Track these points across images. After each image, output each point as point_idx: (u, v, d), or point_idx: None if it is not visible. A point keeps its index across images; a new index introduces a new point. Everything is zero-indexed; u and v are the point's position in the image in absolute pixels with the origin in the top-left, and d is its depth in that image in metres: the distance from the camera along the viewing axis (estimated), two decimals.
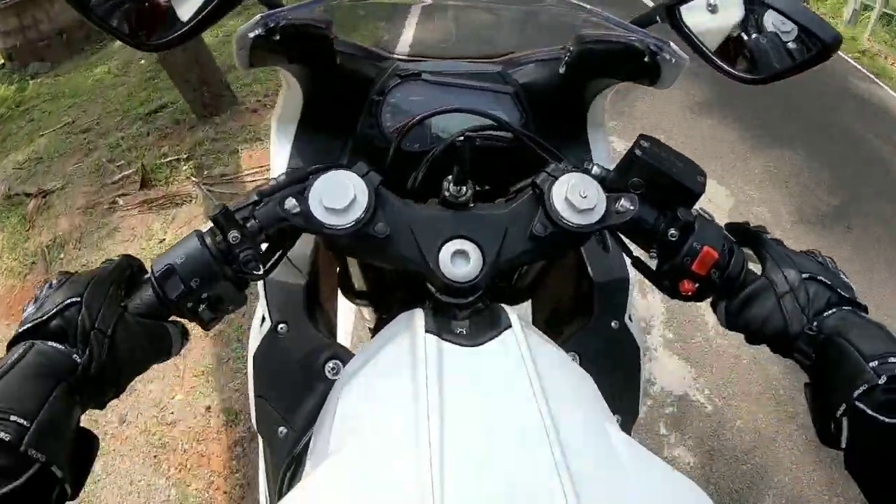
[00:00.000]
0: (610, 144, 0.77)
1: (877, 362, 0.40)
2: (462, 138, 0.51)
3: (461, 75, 0.70)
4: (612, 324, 0.66)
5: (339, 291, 0.82)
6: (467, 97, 0.70)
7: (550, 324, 0.77)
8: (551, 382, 0.42)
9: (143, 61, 4.69)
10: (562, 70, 0.68)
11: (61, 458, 0.36)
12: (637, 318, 0.70)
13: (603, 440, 0.40)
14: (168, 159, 3.20)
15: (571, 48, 0.67)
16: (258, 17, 0.53)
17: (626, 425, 0.63)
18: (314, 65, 0.65)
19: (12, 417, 0.34)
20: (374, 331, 0.83)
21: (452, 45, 0.76)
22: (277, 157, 0.72)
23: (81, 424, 0.41)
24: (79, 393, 0.40)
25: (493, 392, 0.42)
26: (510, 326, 0.47)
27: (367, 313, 0.95)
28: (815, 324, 0.46)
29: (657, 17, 0.61)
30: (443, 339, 0.46)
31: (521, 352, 0.44)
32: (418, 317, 0.49)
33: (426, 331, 0.46)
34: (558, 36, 0.69)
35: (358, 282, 0.78)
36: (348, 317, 1.71)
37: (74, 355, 0.40)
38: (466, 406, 0.40)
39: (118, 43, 2.66)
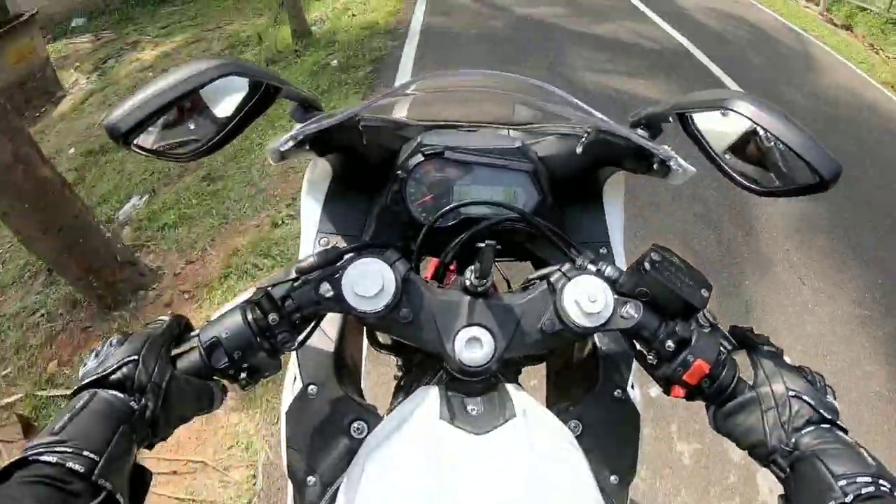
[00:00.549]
0: (623, 218, 0.80)
1: (845, 481, 0.43)
2: (482, 245, 0.54)
3: (482, 152, 0.73)
4: (616, 393, 0.70)
5: (366, 344, 0.88)
6: (487, 174, 0.73)
7: (560, 384, 0.82)
8: (546, 471, 0.48)
9: None
10: (578, 150, 0.71)
11: (124, 489, 0.44)
12: (639, 386, 0.74)
13: None
14: (57, 391, 2.13)
15: (589, 131, 0.69)
16: (288, 135, 0.56)
17: (623, 483, 0.68)
18: (342, 149, 0.69)
19: (84, 452, 0.42)
20: (398, 379, 0.90)
21: (474, 111, 0.78)
22: (308, 221, 0.77)
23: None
24: (135, 435, 0.47)
25: (494, 479, 0.48)
26: (514, 416, 0.53)
27: (395, 363, 1.02)
28: (792, 440, 0.49)
29: (669, 119, 0.63)
30: (455, 425, 0.52)
31: (523, 443, 0.50)
32: (433, 400, 0.55)
33: (440, 418, 0.53)
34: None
35: (384, 338, 0.84)
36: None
37: (132, 402, 0.48)
38: (471, 491, 0.47)
39: None
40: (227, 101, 0.57)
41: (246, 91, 0.57)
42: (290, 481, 0.71)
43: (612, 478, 0.68)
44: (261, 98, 0.58)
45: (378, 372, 1.85)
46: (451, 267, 0.71)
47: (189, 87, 0.51)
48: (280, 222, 2.92)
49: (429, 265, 1.02)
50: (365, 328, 0.83)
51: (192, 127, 0.56)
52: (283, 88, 0.58)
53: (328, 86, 4.46)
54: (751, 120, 0.54)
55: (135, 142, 0.52)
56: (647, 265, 0.55)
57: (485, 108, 0.80)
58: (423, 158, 0.72)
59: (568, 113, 0.72)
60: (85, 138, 4.36)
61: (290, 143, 0.57)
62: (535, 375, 0.92)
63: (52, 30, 6.85)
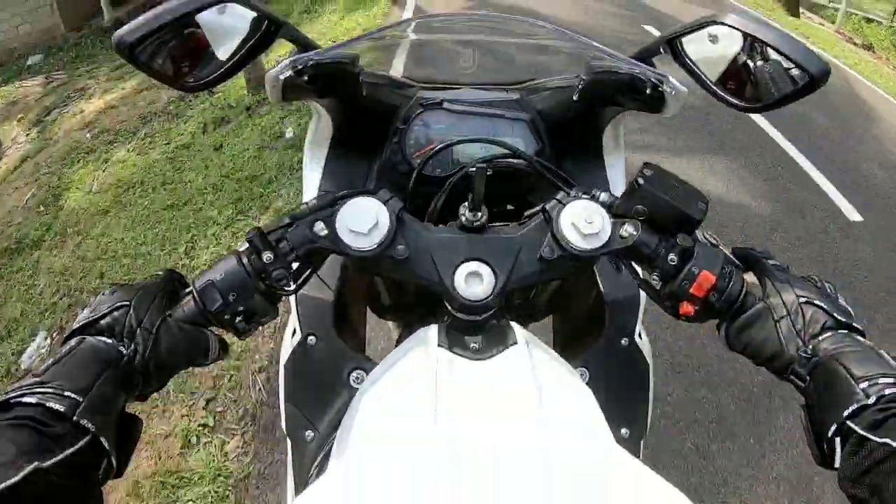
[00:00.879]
0: (626, 167, 0.80)
1: (867, 383, 0.41)
2: (474, 169, 0.55)
3: (480, 104, 0.75)
4: (623, 341, 0.69)
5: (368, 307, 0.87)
6: (486, 125, 0.74)
7: (567, 339, 0.80)
8: (551, 397, 0.46)
9: None
10: (575, 97, 0.72)
11: (109, 434, 0.42)
12: (647, 335, 0.72)
13: (591, 452, 0.42)
14: None
15: (584, 77, 0.70)
16: (287, 59, 0.58)
17: (635, 438, 0.65)
18: (342, 97, 0.71)
19: (66, 392, 0.40)
20: (398, 345, 0.88)
21: (472, 72, 0.80)
22: (310, 180, 0.78)
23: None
24: (123, 381, 0.46)
25: (497, 403, 0.46)
26: (516, 343, 0.51)
27: (394, 328, 1.00)
28: (810, 347, 0.47)
29: (660, 49, 0.64)
30: (454, 352, 0.50)
31: (524, 366, 0.48)
32: (433, 332, 0.53)
33: (438, 345, 0.51)
34: (572, 64, 0.72)
35: (384, 298, 0.83)
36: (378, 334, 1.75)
37: (121, 347, 0.46)
38: (474, 415, 0.44)
39: None
40: (230, 36, 0.60)
41: (248, 28, 0.60)
42: (288, 437, 0.69)
43: (623, 431, 0.65)
44: (262, 36, 0.61)
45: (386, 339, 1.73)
46: None
47: (184, 11, 0.55)
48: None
49: None
50: (368, 293, 0.82)
51: (196, 57, 0.60)
52: (283, 27, 0.61)
53: (276, 171, 3.30)
54: (738, 29, 0.56)
55: (143, 59, 0.55)
56: (640, 180, 0.54)
57: (483, 61, 0.82)
58: (421, 109, 0.74)
59: (565, 46, 0.74)
60: (3, 227, 3.58)
61: (289, 72, 0.59)
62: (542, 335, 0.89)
63: (10, 68, 6.30)
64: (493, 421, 0.44)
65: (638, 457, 0.66)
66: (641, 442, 0.67)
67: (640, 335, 0.70)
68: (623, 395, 0.66)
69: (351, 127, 0.76)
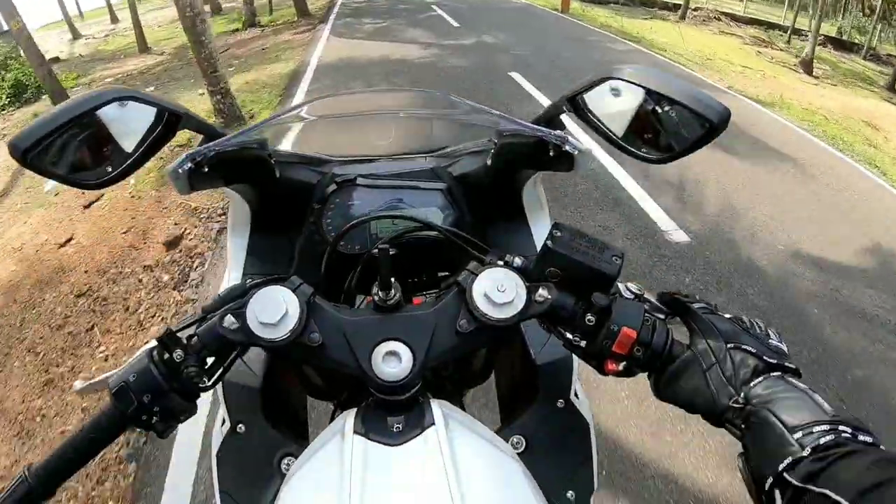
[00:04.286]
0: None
1: (801, 433, 0.40)
2: (376, 250, 0.54)
3: (395, 176, 0.75)
4: (559, 403, 0.66)
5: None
6: (402, 196, 0.74)
7: (506, 402, 0.77)
8: (469, 479, 0.43)
9: None
10: (489, 162, 0.72)
11: None
12: (584, 394, 0.69)
13: None
14: None
15: (495, 141, 0.71)
16: (184, 154, 0.58)
17: (582, 499, 0.62)
18: (255, 181, 0.71)
19: None
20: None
21: (386, 143, 0.81)
22: (234, 264, 0.77)
23: None
24: None
25: (411, 491, 0.44)
26: (434, 423, 0.48)
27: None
28: (741, 395, 0.46)
29: (563, 108, 0.64)
30: (369, 439, 0.48)
31: (440, 449, 0.45)
32: (350, 418, 0.51)
33: (355, 432, 0.48)
34: (481, 133, 0.73)
35: (315, 379, 0.80)
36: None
37: None
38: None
39: None
40: (132, 131, 0.60)
41: (150, 121, 0.61)
42: None
43: (569, 493, 0.62)
44: (164, 128, 0.61)
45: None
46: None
47: (83, 110, 0.55)
48: None
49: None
50: (299, 372, 0.79)
51: (99, 155, 0.59)
52: (183, 117, 0.61)
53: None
54: (634, 83, 0.55)
55: (40, 164, 0.55)
56: (549, 243, 0.53)
57: (395, 133, 0.83)
58: (336, 187, 0.73)
59: (472, 117, 0.74)
60: None
61: (189, 164, 0.59)
62: (486, 396, 0.85)
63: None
64: None
65: None
66: (591, 499, 0.64)
67: (576, 394, 0.68)
68: (565, 458, 0.64)
69: (269, 209, 0.75)
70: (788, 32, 14.02)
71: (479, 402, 0.93)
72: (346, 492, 0.42)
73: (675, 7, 15.09)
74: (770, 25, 14.84)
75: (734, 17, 15.15)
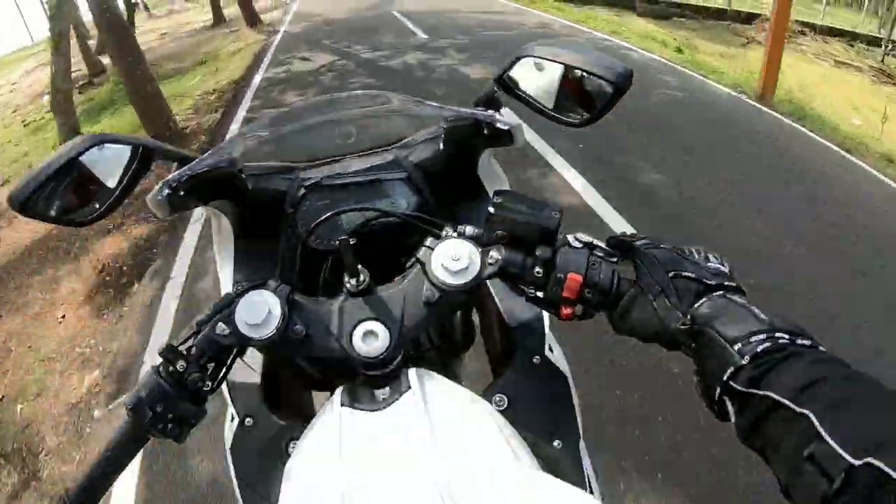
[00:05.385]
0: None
1: (740, 344, 0.43)
2: (338, 242, 0.59)
3: (358, 172, 0.81)
4: (535, 359, 0.71)
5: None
6: (367, 190, 0.80)
7: (493, 368, 0.82)
8: (446, 433, 0.49)
9: None
10: (441, 146, 0.78)
11: None
12: (558, 347, 0.74)
13: (497, 479, 0.45)
14: None
15: (444, 126, 0.77)
16: (162, 182, 0.65)
17: (570, 446, 0.66)
18: (230, 196, 0.77)
19: None
20: None
21: (348, 142, 0.87)
22: (224, 276, 0.84)
23: None
24: None
25: (393, 451, 0.49)
26: (410, 388, 0.54)
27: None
28: (688, 317, 0.49)
29: (494, 89, 0.70)
30: (354, 408, 0.54)
31: (417, 410, 0.51)
32: (336, 394, 0.57)
33: (341, 404, 0.55)
34: (430, 122, 0.80)
35: (311, 372, 0.86)
36: None
37: None
38: (374, 466, 0.47)
39: None
40: (112, 170, 0.67)
41: (127, 158, 0.67)
42: None
43: (556, 442, 0.66)
44: (140, 162, 0.68)
45: None
46: None
47: (67, 158, 0.63)
48: None
49: None
50: (297, 368, 0.85)
51: (86, 195, 0.66)
52: (155, 150, 0.68)
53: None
54: (541, 58, 0.61)
55: (36, 211, 0.63)
56: (490, 209, 0.58)
57: (355, 132, 0.89)
58: (305, 191, 0.80)
59: (420, 111, 0.81)
60: None
61: (167, 191, 0.66)
62: (480, 360, 0.90)
63: None
64: (392, 466, 0.47)
65: (579, 464, 0.67)
66: (580, 445, 0.68)
67: (549, 349, 0.72)
68: (546, 410, 0.68)
69: (247, 219, 0.82)
70: (886, 47, 10.07)
71: (475, 367, 0.98)
72: (338, 454, 0.48)
73: (749, 18, 11.31)
74: (853, 36, 11.19)
75: (812, 27, 10.99)
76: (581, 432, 0.70)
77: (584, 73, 0.62)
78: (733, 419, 0.44)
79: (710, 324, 0.47)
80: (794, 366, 0.41)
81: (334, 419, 0.53)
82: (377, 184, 0.80)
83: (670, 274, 0.51)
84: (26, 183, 0.61)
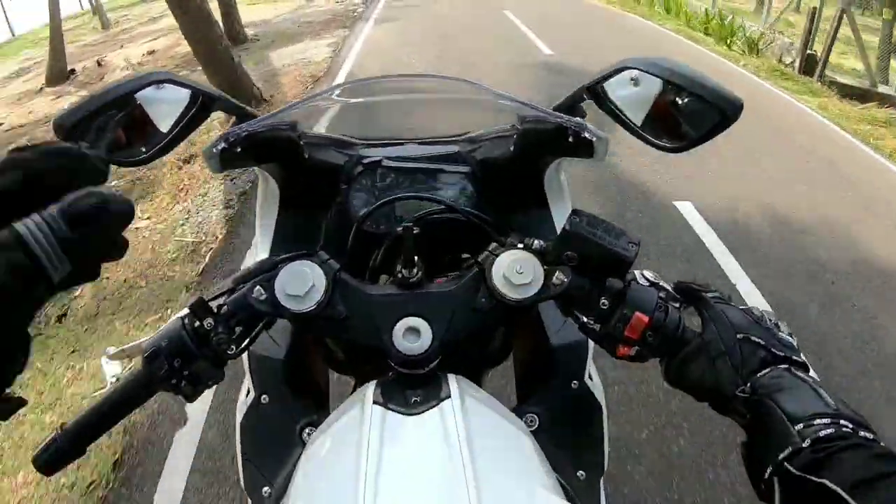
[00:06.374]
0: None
1: (802, 425, 0.41)
2: (401, 229, 0.56)
3: (420, 159, 0.77)
4: (572, 384, 0.68)
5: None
6: (427, 179, 0.76)
7: (523, 383, 0.79)
8: (481, 449, 0.46)
9: None
10: (511, 147, 0.74)
11: None
12: (598, 376, 0.71)
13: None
14: None
15: (518, 127, 0.73)
16: (219, 135, 0.61)
17: (591, 480, 0.64)
18: (284, 161, 0.74)
19: None
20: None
21: (413, 128, 0.83)
22: (262, 242, 0.80)
23: None
24: None
25: (425, 459, 0.46)
26: (449, 396, 0.51)
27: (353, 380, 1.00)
28: (748, 385, 0.47)
29: (584, 97, 0.66)
30: (388, 408, 0.51)
31: (455, 421, 0.48)
32: (370, 389, 0.54)
33: (374, 402, 0.51)
34: (506, 119, 0.75)
35: (339, 353, 0.83)
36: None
37: None
38: (400, 472, 0.44)
39: None
40: (168, 113, 0.63)
41: (185, 103, 0.63)
42: (247, 495, 0.69)
43: (579, 473, 0.65)
44: (199, 109, 0.64)
45: None
46: None
47: (124, 91, 0.58)
48: None
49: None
50: (323, 346, 0.82)
51: (135, 135, 0.62)
52: (217, 99, 0.64)
53: None
54: (649, 72, 0.57)
55: (76, 140, 0.57)
56: (568, 226, 0.54)
57: (422, 118, 0.85)
58: (362, 168, 0.76)
59: (496, 105, 0.76)
60: None
61: (222, 144, 0.62)
62: (505, 377, 0.87)
63: None
64: (422, 475, 0.44)
65: (597, 498, 0.65)
66: (601, 482, 0.66)
67: (590, 376, 0.70)
68: (576, 438, 0.66)
69: (298, 188, 0.78)
70: None
71: (500, 382, 0.95)
72: (364, 457, 0.45)
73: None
74: None
75: None
76: (606, 467, 0.67)
77: (687, 95, 0.57)
78: (777, 502, 0.42)
79: (772, 396, 0.45)
80: (856, 457, 0.39)
81: (364, 416, 0.50)
82: (437, 174, 0.76)
83: (739, 336, 0.49)
84: (75, 109, 0.57)
